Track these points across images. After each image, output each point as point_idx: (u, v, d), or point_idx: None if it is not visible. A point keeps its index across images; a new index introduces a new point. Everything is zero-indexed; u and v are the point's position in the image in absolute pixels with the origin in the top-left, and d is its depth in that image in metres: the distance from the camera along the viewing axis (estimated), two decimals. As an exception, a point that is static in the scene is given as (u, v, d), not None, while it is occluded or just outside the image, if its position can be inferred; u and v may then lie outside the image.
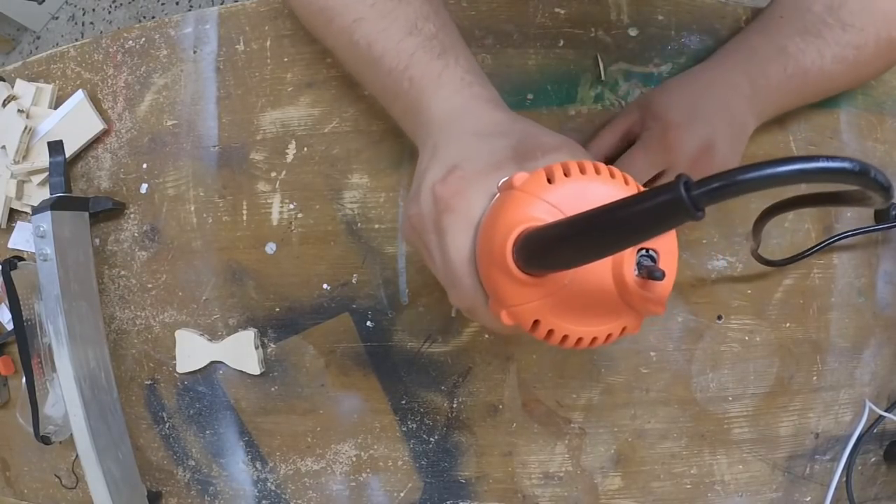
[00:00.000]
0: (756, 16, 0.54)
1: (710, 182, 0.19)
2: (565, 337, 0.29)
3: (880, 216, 0.55)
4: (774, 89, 0.47)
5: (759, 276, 0.56)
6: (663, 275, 0.26)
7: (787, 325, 0.56)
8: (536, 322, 0.29)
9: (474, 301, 0.32)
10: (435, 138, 0.37)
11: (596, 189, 0.28)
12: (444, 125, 0.37)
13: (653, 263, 0.28)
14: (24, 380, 0.57)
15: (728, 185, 0.18)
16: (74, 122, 0.57)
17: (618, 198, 0.22)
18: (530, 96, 0.55)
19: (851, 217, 0.56)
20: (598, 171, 0.28)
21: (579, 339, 0.29)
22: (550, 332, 0.29)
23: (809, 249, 0.53)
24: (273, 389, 0.57)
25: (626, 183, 0.29)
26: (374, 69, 0.42)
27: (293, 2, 0.48)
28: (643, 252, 0.28)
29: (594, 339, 0.29)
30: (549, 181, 0.28)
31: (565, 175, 0.28)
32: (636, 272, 0.28)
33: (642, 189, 0.28)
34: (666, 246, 0.28)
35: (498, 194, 0.31)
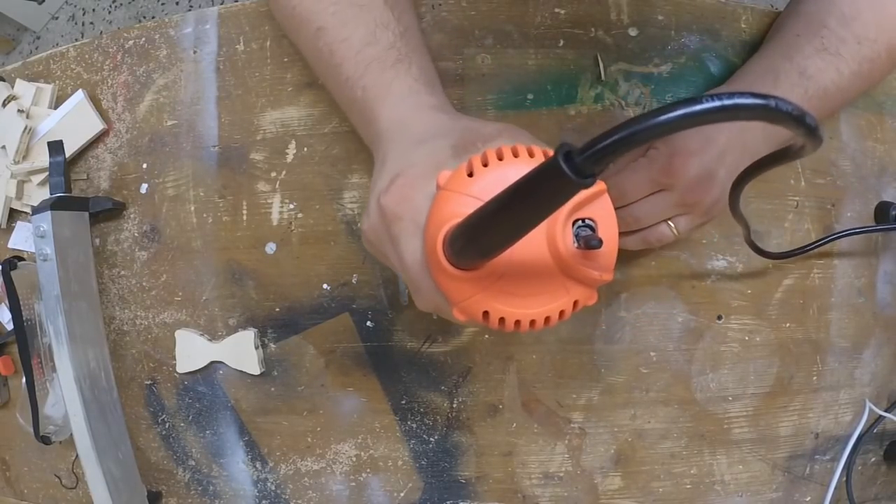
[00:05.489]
0: (772, 28, 0.54)
1: (591, 146, 0.18)
2: (517, 322, 0.29)
3: (880, 216, 0.55)
4: None
5: (759, 276, 0.56)
6: (601, 242, 0.26)
7: (787, 325, 0.56)
8: (486, 313, 0.29)
9: (436, 302, 0.32)
10: (384, 150, 0.37)
11: (514, 173, 0.26)
12: (390, 136, 0.38)
13: (591, 233, 0.28)
14: (24, 380, 0.57)
15: (608, 145, 0.17)
16: (74, 122, 0.57)
17: None
18: (530, 96, 0.55)
19: (851, 217, 0.56)
20: (516, 154, 0.28)
21: (532, 321, 0.29)
22: (502, 319, 0.29)
23: (807, 246, 0.53)
24: (273, 389, 0.57)
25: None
26: (334, 78, 0.43)
27: (274, 6, 0.49)
28: (580, 223, 0.28)
29: (547, 318, 0.29)
30: (470, 175, 0.28)
31: (484, 165, 0.28)
32: (575, 244, 0.27)
33: None
34: (602, 213, 0.28)
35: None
